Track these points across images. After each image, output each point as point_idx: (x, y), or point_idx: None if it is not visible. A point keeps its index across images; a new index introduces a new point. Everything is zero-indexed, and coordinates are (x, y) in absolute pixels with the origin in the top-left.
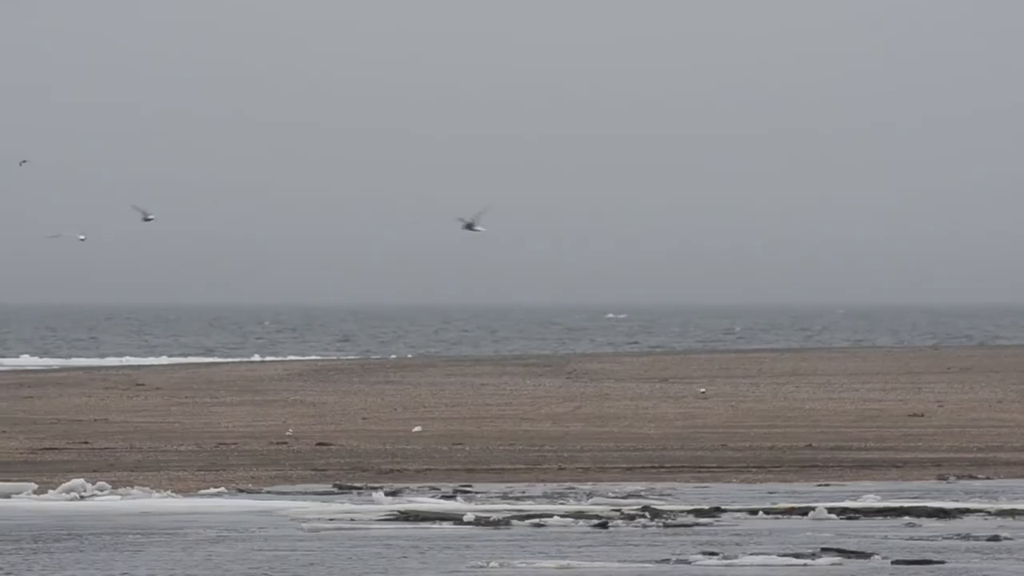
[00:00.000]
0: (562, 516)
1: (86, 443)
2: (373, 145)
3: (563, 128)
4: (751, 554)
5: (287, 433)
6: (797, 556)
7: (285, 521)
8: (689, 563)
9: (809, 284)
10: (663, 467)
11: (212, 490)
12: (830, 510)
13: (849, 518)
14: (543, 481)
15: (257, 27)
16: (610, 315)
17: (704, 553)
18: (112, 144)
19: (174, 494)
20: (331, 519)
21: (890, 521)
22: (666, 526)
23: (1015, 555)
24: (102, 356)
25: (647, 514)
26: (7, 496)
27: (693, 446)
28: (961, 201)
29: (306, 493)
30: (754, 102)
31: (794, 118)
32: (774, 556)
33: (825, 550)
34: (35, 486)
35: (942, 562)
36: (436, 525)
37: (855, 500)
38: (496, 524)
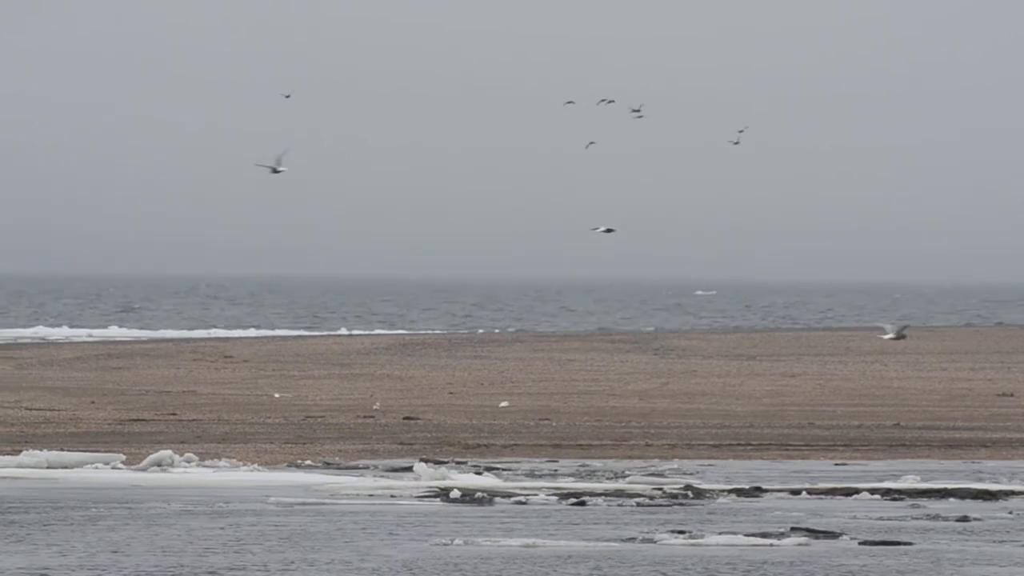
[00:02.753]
0: (547, 495)
1: (174, 414)
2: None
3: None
4: (719, 533)
5: (374, 407)
6: (764, 536)
7: (262, 496)
8: (655, 542)
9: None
10: (750, 444)
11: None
12: (872, 491)
13: (893, 499)
14: (629, 457)
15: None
16: (699, 292)
17: (672, 532)
18: None
19: (260, 467)
20: (370, 495)
21: (932, 501)
22: (647, 505)
23: (981, 536)
24: (190, 328)
25: (689, 493)
26: (84, 466)
27: (780, 424)
28: None
29: (361, 468)
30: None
31: None
32: (740, 536)
33: (794, 529)
34: (123, 457)
35: (909, 543)
36: (420, 502)
37: (895, 480)
38: (480, 501)
